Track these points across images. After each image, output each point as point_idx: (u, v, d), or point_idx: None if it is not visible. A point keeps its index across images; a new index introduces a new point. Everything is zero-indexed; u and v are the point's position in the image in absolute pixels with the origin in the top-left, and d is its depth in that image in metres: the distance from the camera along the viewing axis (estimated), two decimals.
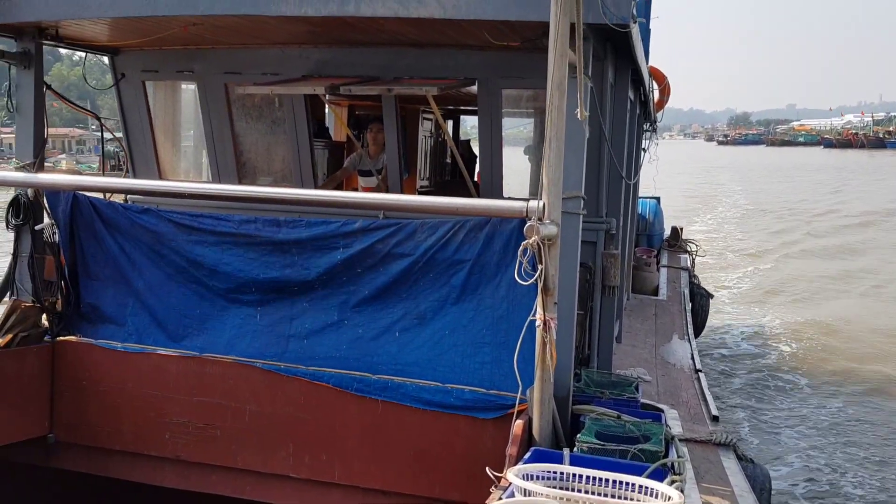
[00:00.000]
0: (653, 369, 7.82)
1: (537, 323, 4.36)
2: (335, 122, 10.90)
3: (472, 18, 4.79)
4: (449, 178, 12.87)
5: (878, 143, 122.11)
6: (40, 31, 5.98)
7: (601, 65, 5.76)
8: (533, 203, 4.06)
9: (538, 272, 4.03)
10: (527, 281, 4.06)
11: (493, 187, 6.53)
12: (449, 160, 13.14)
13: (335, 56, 6.57)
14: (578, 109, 4.26)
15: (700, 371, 7.86)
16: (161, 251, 6.05)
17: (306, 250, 5.79)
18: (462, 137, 14.11)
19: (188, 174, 7.93)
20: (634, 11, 4.65)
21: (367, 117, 9.94)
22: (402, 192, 6.83)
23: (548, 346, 4.30)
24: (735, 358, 12.99)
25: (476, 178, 7.03)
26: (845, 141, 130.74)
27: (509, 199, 6.64)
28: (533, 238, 3.97)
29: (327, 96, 8.27)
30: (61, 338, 6.04)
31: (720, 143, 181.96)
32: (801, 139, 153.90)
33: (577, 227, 4.93)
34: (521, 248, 4.02)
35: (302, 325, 5.87)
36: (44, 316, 6.10)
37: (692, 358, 8.44)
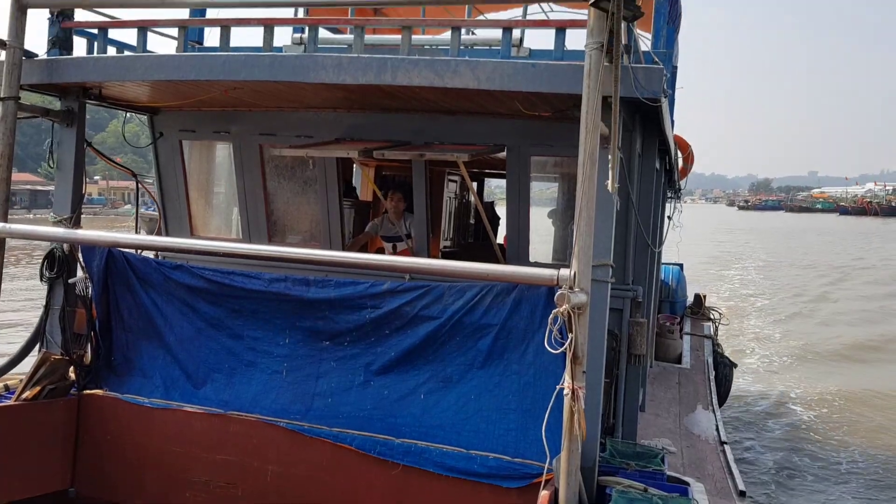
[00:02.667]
0: (677, 440, 7.70)
1: (565, 392, 4.33)
2: (362, 180, 11.07)
3: (506, 90, 4.91)
4: (472, 239, 12.97)
5: (892, 212, 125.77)
6: (84, 90, 6.19)
7: (630, 135, 5.85)
8: (564, 271, 4.09)
9: (568, 341, 4.03)
10: (556, 349, 4.06)
11: (519, 252, 6.57)
12: (472, 221, 13.27)
13: (368, 120, 6.73)
14: (609, 182, 4.30)
15: (725, 443, 7.73)
16: (193, 306, 6.12)
17: (335, 309, 5.83)
18: (485, 198, 14.25)
19: (219, 230, 8.06)
20: (665, 86, 4.75)
21: (392, 180, 10.10)
22: (428, 255, 6.89)
23: (576, 415, 4.26)
24: (761, 429, 12.73)
25: (502, 242, 7.07)
26: (860, 208, 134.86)
27: (536, 263, 6.69)
28: (564, 307, 3.98)
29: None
30: (88, 391, 6.08)
31: (741, 207, 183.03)
32: (818, 206, 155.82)
33: (605, 295, 4.95)
34: (551, 316, 4.03)
35: (328, 383, 5.87)
36: (71, 368, 6.16)
37: (717, 429, 8.30)
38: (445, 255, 10.15)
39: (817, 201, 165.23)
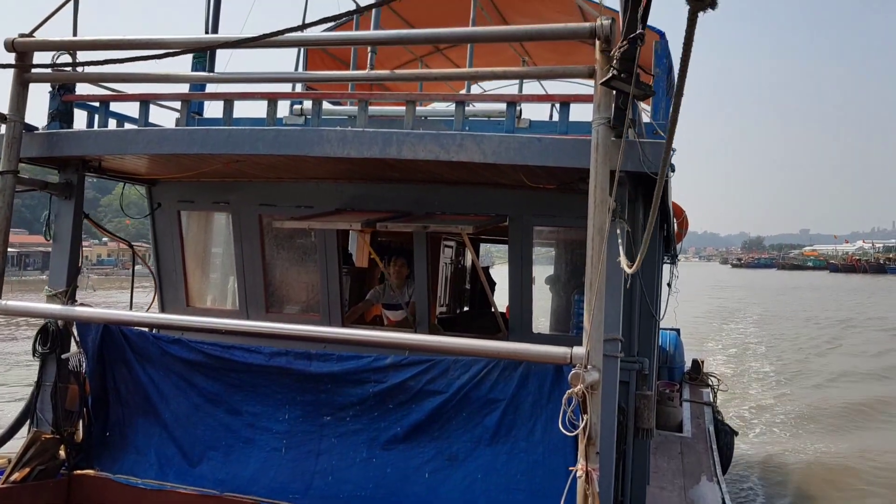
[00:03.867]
0: None
1: (579, 474, 4.19)
2: (358, 245, 11.01)
3: (512, 164, 4.90)
4: (468, 305, 12.86)
5: (879, 269, 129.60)
6: (84, 163, 6.15)
7: (633, 206, 5.83)
8: (577, 349, 4.00)
9: (583, 423, 3.91)
10: (571, 431, 3.93)
11: (522, 323, 6.48)
12: (468, 286, 13.19)
13: (368, 190, 6.71)
14: (621, 259, 4.24)
15: None
16: (190, 381, 5.97)
17: (338, 383, 5.70)
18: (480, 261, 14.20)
19: (215, 301, 7.94)
20: (672, 161, 4.74)
21: (389, 246, 10.05)
22: (429, 325, 6.78)
23: (590, 499, 4.12)
24: (767, 500, 12.47)
25: (504, 311, 6.98)
26: (849, 266, 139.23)
27: (538, 335, 6.59)
28: (578, 387, 3.88)
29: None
30: (78, 471, 5.86)
31: (734, 265, 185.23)
32: (809, 263, 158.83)
33: (615, 371, 4.86)
34: (565, 396, 3.92)
35: (329, 461, 5.69)
36: (61, 447, 5.95)
37: (723, 502, 8.09)
38: (442, 322, 10.04)
39: (808, 259, 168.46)
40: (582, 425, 3.92)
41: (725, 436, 11.79)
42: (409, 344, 4.60)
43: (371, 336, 4.57)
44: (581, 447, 4.11)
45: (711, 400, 12.93)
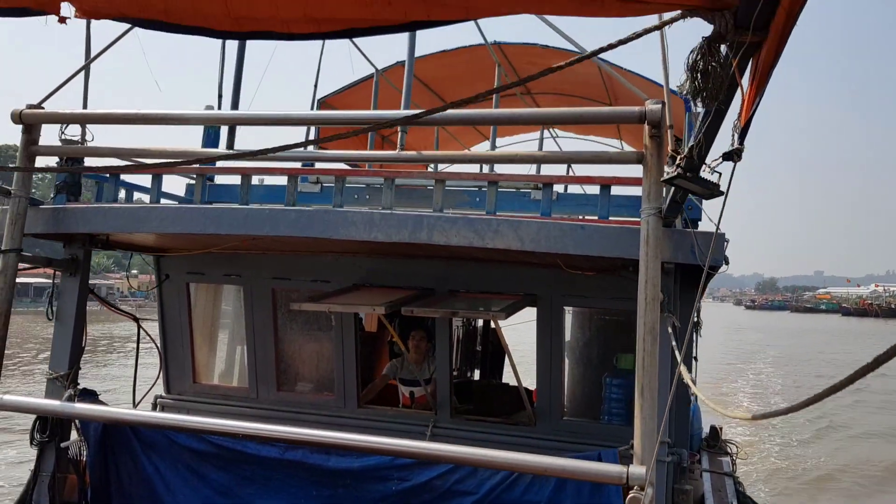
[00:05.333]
0: None
1: None
2: (366, 317, 10.64)
3: (551, 252, 4.58)
4: (479, 369, 12.40)
5: (891, 313, 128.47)
6: (90, 237, 5.83)
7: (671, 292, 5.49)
8: (634, 469, 3.62)
9: None
10: None
11: (552, 409, 6.09)
12: (479, 348, 12.76)
13: (388, 266, 6.38)
14: (681, 369, 3.89)
15: None
16: (199, 472, 5.58)
17: (358, 480, 5.31)
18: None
19: (223, 377, 7.55)
20: (726, 254, 4.44)
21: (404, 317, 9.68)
22: (451, 411, 6.38)
23: None
24: None
25: (533, 398, 6.60)
26: (862, 310, 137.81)
27: (568, 421, 6.20)
28: None
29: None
30: None
31: (748, 307, 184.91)
32: (822, 306, 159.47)
33: (663, 477, 4.48)
34: None
35: None
36: None
37: None
38: (455, 388, 9.63)
39: (821, 302, 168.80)
40: None
41: None
42: (446, 457, 4.20)
43: (402, 446, 4.18)
44: None
45: (731, 469, 12.43)
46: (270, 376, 6.81)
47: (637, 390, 3.96)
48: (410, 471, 5.17)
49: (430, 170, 9.24)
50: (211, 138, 6.86)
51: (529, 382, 6.73)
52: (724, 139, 3.23)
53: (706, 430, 13.99)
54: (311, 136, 8.93)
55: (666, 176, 3.46)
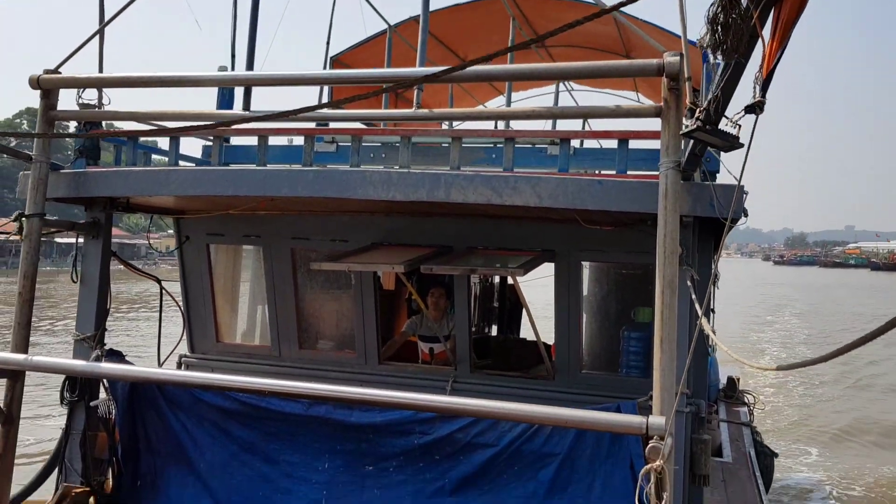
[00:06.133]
0: None
1: None
2: (384, 275, 10.70)
3: (569, 208, 4.59)
4: (497, 325, 12.47)
5: None
6: (111, 201, 5.88)
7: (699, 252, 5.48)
8: (654, 419, 3.68)
9: (664, 502, 3.59)
10: None
11: (570, 364, 6.16)
12: (496, 304, 12.82)
13: (406, 224, 6.42)
14: (700, 317, 3.92)
15: None
16: (225, 429, 5.71)
17: (381, 434, 5.42)
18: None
19: (245, 336, 7.67)
20: (745, 206, 4.42)
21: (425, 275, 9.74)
22: (470, 366, 6.46)
23: None
24: None
25: (552, 354, 6.66)
26: (891, 264, 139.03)
27: (587, 374, 6.26)
28: (658, 462, 3.56)
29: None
30: None
31: (776, 262, 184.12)
32: (851, 261, 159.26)
33: (682, 427, 4.55)
34: (642, 472, 3.60)
35: None
36: (91, 499, 5.70)
37: None
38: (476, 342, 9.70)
39: (850, 257, 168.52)
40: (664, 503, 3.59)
41: (765, 458, 11.40)
42: (468, 410, 4.27)
43: (425, 401, 4.26)
44: None
45: (749, 419, 12.55)
46: (292, 335, 6.91)
47: (656, 342, 4.00)
48: (432, 424, 5.26)
49: (444, 127, 9.20)
50: (226, 99, 6.85)
51: (546, 338, 6.80)
52: (743, 90, 3.20)
53: (723, 381, 14.11)
54: (325, 96, 8.91)
55: (685, 129, 3.44)
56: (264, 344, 7.26)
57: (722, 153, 4.77)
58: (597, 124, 10.69)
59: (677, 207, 4.04)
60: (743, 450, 11.04)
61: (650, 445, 3.61)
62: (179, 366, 7.13)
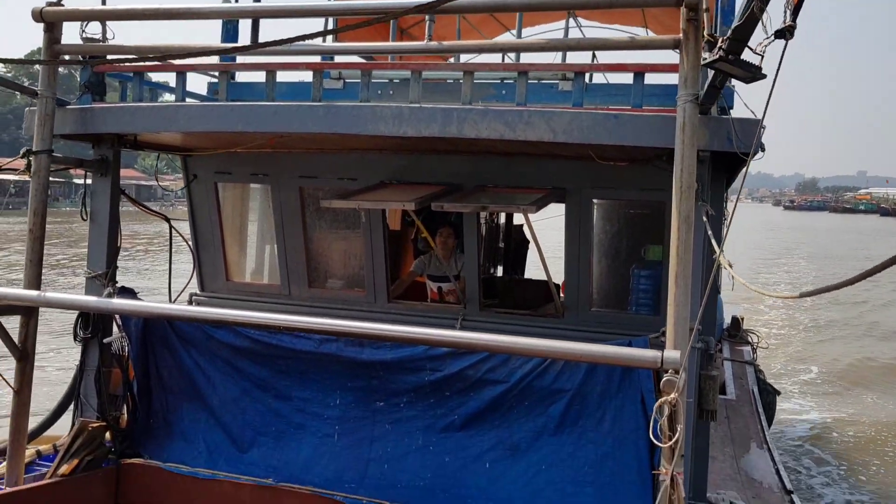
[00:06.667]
0: (741, 489, 7.28)
1: (662, 478, 3.94)
2: (389, 210, 10.66)
3: (584, 143, 4.53)
4: (501, 265, 12.47)
5: None
6: (119, 138, 5.83)
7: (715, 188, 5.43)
8: (669, 353, 3.70)
9: (678, 434, 3.63)
10: (666, 441, 3.65)
11: (579, 302, 6.17)
12: (501, 244, 12.80)
13: (415, 162, 6.35)
14: (718, 253, 3.90)
15: (793, 493, 7.31)
16: (237, 366, 5.77)
17: (391, 371, 5.47)
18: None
19: (254, 275, 7.69)
20: (762, 140, 4.36)
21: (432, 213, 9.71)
22: (479, 304, 6.48)
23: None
24: (818, 466, 12.22)
25: (561, 290, 6.66)
26: None
27: (596, 311, 6.28)
28: (673, 395, 3.59)
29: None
30: (126, 460, 5.71)
31: (786, 207, 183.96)
32: (861, 207, 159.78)
33: (693, 363, 4.58)
34: (657, 405, 3.63)
35: (383, 448, 5.50)
36: (107, 433, 5.79)
37: (778, 474, 7.88)
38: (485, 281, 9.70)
39: (860, 202, 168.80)
40: (677, 436, 3.64)
41: (767, 395, 11.55)
42: (483, 345, 4.30)
43: (439, 336, 4.28)
44: (666, 450, 3.84)
45: (752, 358, 12.67)
46: (301, 274, 6.92)
47: (671, 278, 4.00)
48: (443, 361, 5.30)
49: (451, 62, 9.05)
50: (230, 34, 6.71)
51: (554, 278, 6.78)
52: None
53: (727, 320, 14.21)
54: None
55: (707, 59, 3.37)
56: (273, 282, 7.27)
57: (735, 89, 4.70)
58: (604, 58, 10.49)
59: (694, 141, 4.00)
60: (746, 387, 11.17)
61: (665, 378, 3.64)
62: (190, 304, 7.15)
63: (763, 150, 4.39)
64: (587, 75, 4.96)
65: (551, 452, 5.11)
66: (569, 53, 6.40)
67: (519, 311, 6.55)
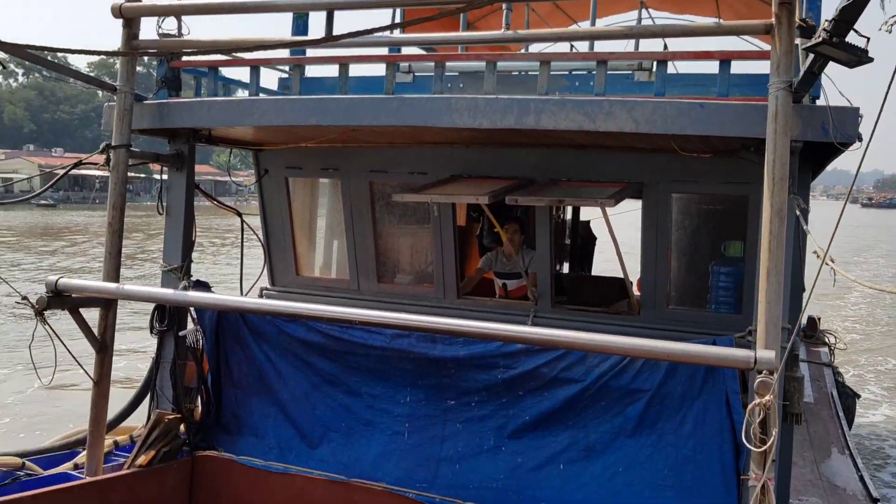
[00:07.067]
0: (823, 495, 6.97)
1: (751, 483, 3.76)
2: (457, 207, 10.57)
3: (667, 133, 4.35)
4: (567, 262, 12.26)
5: None
6: (194, 133, 5.88)
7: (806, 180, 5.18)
8: (763, 353, 3.51)
9: (773, 439, 3.44)
10: (758, 446, 3.47)
11: (656, 300, 5.97)
12: (568, 241, 12.60)
13: (486, 155, 6.25)
14: (820, 250, 3.70)
15: (879, 501, 6.97)
16: (308, 361, 5.76)
17: (463, 368, 5.38)
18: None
19: (323, 270, 7.70)
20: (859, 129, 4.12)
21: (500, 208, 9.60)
22: (551, 301, 6.34)
23: None
24: None
25: (636, 288, 6.48)
26: None
27: (673, 310, 6.07)
28: (768, 398, 3.41)
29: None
30: (201, 452, 5.77)
31: (864, 205, 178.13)
32: None
33: (782, 363, 4.36)
34: (750, 407, 3.46)
35: (454, 447, 5.41)
36: (182, 425, 5.86)
37: (861, 480, 7.53)
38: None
39: None
40: (771, 441, 3.45)
41: (847, 398, 11.09)
42: (557, 341, 4.17)
43: (512, 331, 4.17)
44: (757, 455, 3.65)
45: (830, 360, 12.18)
46: (370, 268, 6.89)
47: (762, 274, 3.82)
48: (517, 358, 5.19)
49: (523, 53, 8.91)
50: (300, 28, 6.71)
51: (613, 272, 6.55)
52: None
53: (803, 321, 13.68)
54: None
55: (809, 42, 3.18)
56: (342, 277, 7.27)
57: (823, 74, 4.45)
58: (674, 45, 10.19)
59: (787, 131, 3.81)
60: (825, 390, 10.74)
61: (760, 380, 3.46)
62: (261, 298, 7.20)
63: (860, 139, 4.15)
64: (659, 64, 4.75)
65: (629, 454, 4.95)
66: (643, 42, 6.21)
67: (592, 308, 6.39)
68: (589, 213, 13.60)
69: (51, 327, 4.84)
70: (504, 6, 4.95)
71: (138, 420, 6.32)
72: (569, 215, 12.31)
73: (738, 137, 4.34)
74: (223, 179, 67.87)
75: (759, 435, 3.54)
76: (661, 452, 4.86)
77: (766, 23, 3.91)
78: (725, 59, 4.53)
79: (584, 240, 12.16)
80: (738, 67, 5.13)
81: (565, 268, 12.34)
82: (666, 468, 4.83)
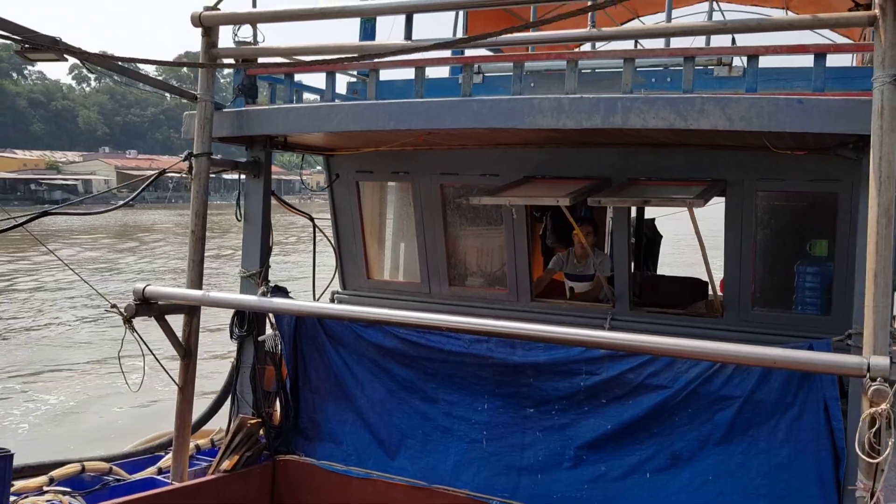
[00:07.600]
0: None
1: (859, 493, 3.60)
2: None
3: (763, 131, 4.21)
4: (635, 266, 11.99)
5: None
6: (270, 140, 5.92)
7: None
8: (877, 360, 3.36)
9: (888, 449, 3.29)
10: (871, 456, 3.33)
11: (740, 300, 5.80)
12: (632, 240, 12.34)
13: (559, 156, 6.15)
14: None
15: None
16: (385, 367, 5.75)
17: (543, 374, 5.30)
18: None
19: (393, 273, 7.70)
20: None
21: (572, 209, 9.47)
22: (630, 303, 6.21)
23: None
24: None
25: (719, 289, 6.30)
26: None
27: (758, 311, 5.88)
28: (884, 406, 3.26)
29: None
30: (282, 456, 5.81)
31: None
32: None
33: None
34: (865, 416, 3.31)
35: (535, 456, 5.34)
36: (262, 429, 5.90)
37: None
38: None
39: None
40: (887, 452, 3.30)
41: None
42: (647, 347, 4.06)
43: (598, 337, 4.08)
44: (866, 465, 3.49)
45: None
46: (442, 271, 6.85)
47: (869, 276, 3.66)
48: (600, 364, 5.08)
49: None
50: (368, 32, 6.72)
51: (695, 273, 6.37)
52: None
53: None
54: (460, 24, 8.58)
55: None
56: (413, 280, 7.24)
57: None
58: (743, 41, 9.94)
59: (894, 127, 3.63)
60: None
61: (875, 388, 3.31)
62: (332, 302, 7.22)
63: None
64: (750, 59, 4.58)
65: (718, 462, 4.81)
66: (724, 37, 6.04)
67: (672, 311, 6.24)
68: (653, 211, 13.34)
69: (139, 335, 4.90)
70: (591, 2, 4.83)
71: (214, 423, 6.43)
72: (633, 214, 12.09)
73: (836, 134, 4.17)
74: (287, 178, 69.13)
75: (871, 444, 3.40)
76: (754, 460, 4.71)
77: (869, 14, 3.74)
78: (820, 52, 4.36)
79: (649, 239, 11.93)
80: (804, 61, 4.93)
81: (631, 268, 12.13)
82: (759, 476, 4.68)
